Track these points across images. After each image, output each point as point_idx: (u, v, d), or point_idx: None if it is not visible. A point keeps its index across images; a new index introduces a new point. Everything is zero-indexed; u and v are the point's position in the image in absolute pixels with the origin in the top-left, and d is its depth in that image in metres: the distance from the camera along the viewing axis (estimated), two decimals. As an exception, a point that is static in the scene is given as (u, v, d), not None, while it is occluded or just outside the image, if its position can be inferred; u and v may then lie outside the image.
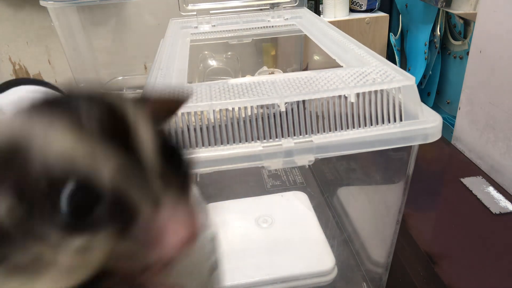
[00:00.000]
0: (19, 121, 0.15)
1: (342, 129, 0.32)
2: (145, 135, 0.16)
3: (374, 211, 0.51)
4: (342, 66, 0.40)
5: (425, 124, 0.32)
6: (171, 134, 0.19)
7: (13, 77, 1.56)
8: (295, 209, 0.61)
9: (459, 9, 0.97)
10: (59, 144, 0.14)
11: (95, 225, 0.14)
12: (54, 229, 0.14)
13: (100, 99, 0.17)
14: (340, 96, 0.32)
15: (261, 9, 0.66)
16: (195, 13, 0.61)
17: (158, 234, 0.15)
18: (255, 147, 0.31)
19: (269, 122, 0.32)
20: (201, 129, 0.31)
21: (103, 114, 0.16)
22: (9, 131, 0.15)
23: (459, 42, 1.03)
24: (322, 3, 1.28)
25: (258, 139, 0.32)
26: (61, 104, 0.16)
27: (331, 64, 0.42)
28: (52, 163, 0.14)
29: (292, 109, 0.32)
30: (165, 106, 0.20)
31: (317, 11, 1.30)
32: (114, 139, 0.15)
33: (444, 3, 1.00)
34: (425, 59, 1.11)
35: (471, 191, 0.66)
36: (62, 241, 0.14)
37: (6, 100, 0.29)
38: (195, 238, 0.16)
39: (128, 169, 0.15)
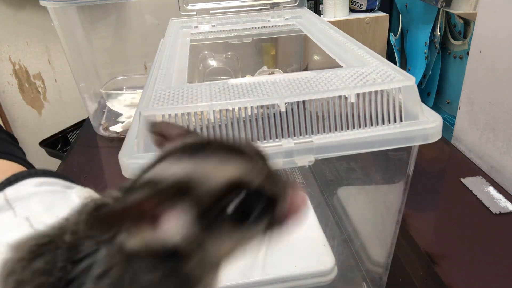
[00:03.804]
0: (184, 163, 0.21)
1: (342, 129, 0.32)
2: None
3: (374, 211, 0.51)
4: (342, 66, 0.40)
5: (425, 124, 0.32)
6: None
7: (13, 77, 1.56)
8: (295, 209, 0.60)
9: (459, 9, 0.97)
10: (220, 174, 0.21)
11: (259, 217, 0.22)
12: (227, 227, 0.21)
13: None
14: (340, 97, 0.32)
15: (261, 9, 0.66)
16: (195, 13, 0.61)
17: (291, 203, 0.23)
18: (255, 147, 0.31)
19: (269, 122, 0.32)
20: (201, 129, 0.31)
21: (237, 146, 0.23)
22: (179, 170, 0.21)
23: (459, 42, 1.03)
24: (322, 3, 1.28)
25: (258, 139, 0.32)
26: (201, 149, 0.22)
27: (331, 64, 0.42)
28: (218, 186, 0.21)
29: (292, 109, 0.32)
30: None
31: (317, 11, 1.30)
32: (252, 157, 0.23)
33: (444, 3, 1.00)
34: (425, 59, 1.11)
35: (471, 191, 0.66)
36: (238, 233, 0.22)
37: (14, 195, 0.29)
38: (306, 203, 0.24)
39: (267, 174, 0.22)
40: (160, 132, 0.25)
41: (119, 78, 1.03)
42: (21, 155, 0.41)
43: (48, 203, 0.29)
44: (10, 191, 0.30)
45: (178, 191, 0.20)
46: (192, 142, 0.23)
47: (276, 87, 0.33)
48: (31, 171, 0.32)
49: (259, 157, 0.23)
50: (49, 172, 0.33)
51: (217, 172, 0.21)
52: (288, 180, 0.24)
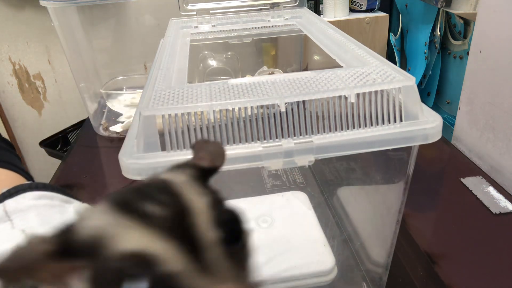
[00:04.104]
0: (98, 218, 0.18)
1: (342, 129, 0.32)
2: (202, 215, 0.19)
3: (374, 211, 0.51)
4: (342, 66, 0.40)
5: (425, 124, 0.32)
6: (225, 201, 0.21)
7: (13, 77, 1.56)
8: (295, 209, 0.61)
9: (459, 9, 0.97)
10: (129, 243, 0.17)
11: None
12: None
13: (157, 189, 0.19)
14: (340, 97, 0.32)
15: (261, 9, 0.66)
16: (195, 13, 0.61)
17: None
18: (255, 147, 0.31)
19: (269, 123, 0.32)
20: (201, 129, 0.31)
21: (163, 207, 0.18)
22: (90, 226, 0.18)
23: (459, 42, 1.03)
24: (322, 3, 1.28)
25: (258, 139, 0.31)
26: (129, 203, 0.19)
27: (331, 64, 0.42)
28: (123, 258, 0.17)
29: (292, 109, 0.32)
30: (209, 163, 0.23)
31: (317, 11, 1.30)
32: (175, 228, 0.18)
33: (444, 3, 1.00)
34: (425, 59, 1.11)
35: (471, 191, 0.66)
36: None
37: (14, 207, 0.30)
38: None
39: (188, 254, 0.17)
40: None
41: (119, 78, 1.03)
42: (18, 163, 0.41)
43: (45, 217, 0.30)
44: (10, 203, 0.31)
45: (85, 249, 0.18)
46: (138, 189, 0.20)
47: (276, 87, 0.33)
48: (31, 184, 0.33)
49: (210, 240, 0.18)
50: (49, 186, 0.33)
51: (126, 237, 0.17)
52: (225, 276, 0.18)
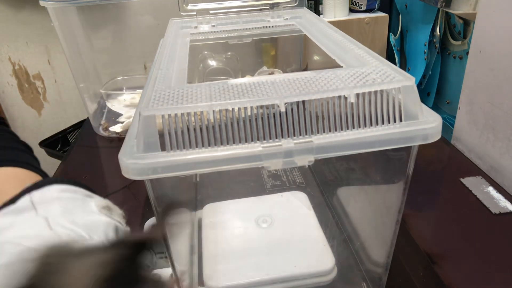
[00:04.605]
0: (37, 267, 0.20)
1: (342, 129, 0.32)
2: None
3: (374, 211, 0.51)
4: (342, 66, 0.40)
5: (425, 124, 0.32)
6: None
7: (13, 77, 1.56)
8: (295, 209, 0.61)
9: (459, 9, 0.97)
10: None
11: None
12: None
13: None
14: (340, 97, 0.32)
15: (261, 9, 0.66)
16: (195, 13, 0.61)
17: None
18: (255, 147, 0.31)
19: (269, 123, 0.32)
20: (201, 129, 0.31)
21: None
22: (29, 274, 0.19)
23: (459, 42, 1.03)
24: (321, 3, 1.28)
25: (258, 139, 0.31)
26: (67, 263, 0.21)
27: (331, 64, 0.42)
28: None
29: (292, 110, 0.32)
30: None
31: (317, 11, 1.30)
32: None
33: (443, 3, 1.00)
34: (425, 59, 1.11)
35: (471, 191, 0.66)
36: None
37: (39, 199, 0.32)
38: None
39: None
40: None
41: (119, 78, 1.03)
42: (36, 164, 0.43)
43: (68, 208, 0.32)
44: (36, 194, 0.32)
45: None
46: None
47: (276, 87, 0.33)
48: (57, 178, 0.34)
49: None
50: (73, 181, 0.35)
51: None
52: None
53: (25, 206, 0.31)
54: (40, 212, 0.31)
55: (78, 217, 0.31)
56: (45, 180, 0.34)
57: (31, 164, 0.42)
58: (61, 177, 0.37)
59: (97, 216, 0.32)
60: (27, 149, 0.47)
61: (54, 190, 0.33)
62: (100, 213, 0.33)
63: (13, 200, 0.31)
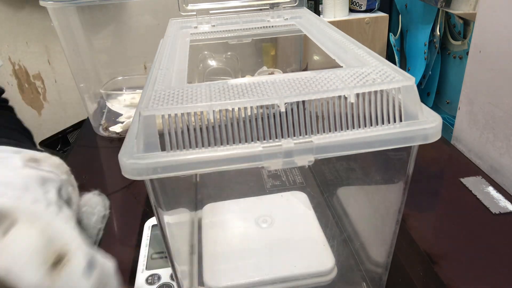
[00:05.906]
0: None
1: (342, 129, 0.32)
2: None
3: (374, 211, 0.51)
4: (341, 66, 0.40)
5: (425, 124, 0.32)
6: None
7: (13, 77, 1.56)
8: (295, 209, 0.61)
9: (459, 9, 0.97)
10: None
11: None
12: None
13: None
14: (340, 97, 0.32)
15: (261, 9, 0.66)
16: (195, 13, 0.61)
17: None
18: (255, 147, 0.31)
19: (269, 123, 0.32)
20: (201, 129, 0.31)
21: None
22: None
23: (459, 42, 1.03)
24: (322, 3, 1.28)
25: (258, 139, 0.31)
26: None
27: (331, 64, 0.42)
28: None
29: (292, 109, 0.32)
30: None
31: (317, 11, 1.30)
32: None
33: (443, 3, 1.00)
34: (425, 59, 1.11)
35: (471, 191, 0.66)
36: None
37: None
38: None
39: None
40: None
41: (119, 78, 1.03)
42: (27, 144, 0.40)
43: None
44: None
45: None
46: None
47: (276, 87, 0.33)
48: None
49: None
50: (5, 141, 0.33)
51: None
52: None
53: None
54: None
55: None
56: None
57: (19, 141, 0.39)
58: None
59: (19, 170, 0.29)
60: (26, 132, 0.44)
61: None
62: (24, 167, 0.30)
63: None
